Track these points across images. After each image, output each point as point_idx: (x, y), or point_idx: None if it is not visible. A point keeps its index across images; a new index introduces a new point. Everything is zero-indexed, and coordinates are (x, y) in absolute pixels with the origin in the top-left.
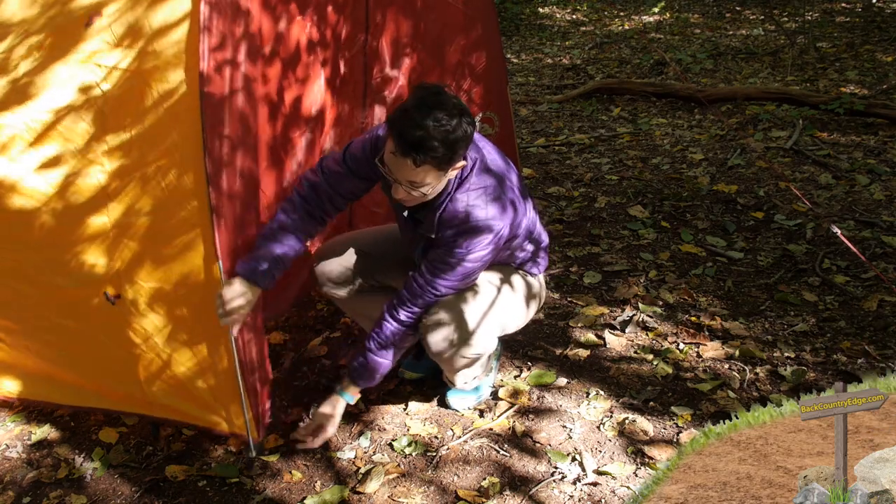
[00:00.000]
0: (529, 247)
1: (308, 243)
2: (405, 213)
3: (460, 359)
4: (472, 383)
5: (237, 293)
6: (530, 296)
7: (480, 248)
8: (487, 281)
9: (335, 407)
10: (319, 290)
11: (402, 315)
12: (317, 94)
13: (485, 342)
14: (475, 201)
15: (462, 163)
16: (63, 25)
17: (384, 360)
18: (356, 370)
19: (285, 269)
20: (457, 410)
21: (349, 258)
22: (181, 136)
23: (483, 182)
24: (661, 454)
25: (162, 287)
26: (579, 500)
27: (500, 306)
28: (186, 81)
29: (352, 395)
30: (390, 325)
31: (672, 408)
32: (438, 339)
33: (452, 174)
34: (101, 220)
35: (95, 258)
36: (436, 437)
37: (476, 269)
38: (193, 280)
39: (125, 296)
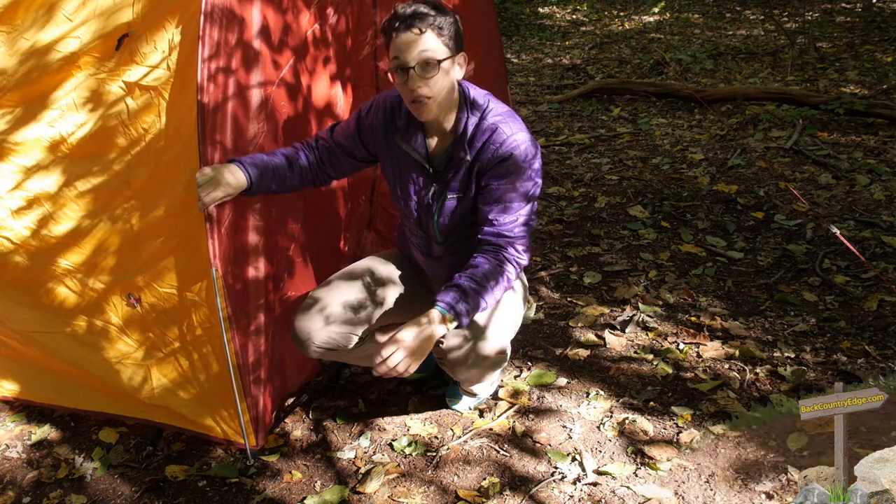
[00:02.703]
0: (534, 220)
1: (294, 172)
2: (425, 169)
3: (482, 361)
4: (489, 389)
5: (213, 168)
6: (525, 296)
7: (532, 155)
8: None
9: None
10: (305, 353)
11: (491, 260)
12: (323, 97)
13: (500, 338)
14: (501, 118)
15: (463, 56)
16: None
17: (478, 309)
18: (460, 301)
19: (269, 175)
20: (457, 410)
21: (336, 311)
22: (183, 147)
23: (503, 108)
24: (661, 454)
25: (159, 292)
26: (579, 500)
27: (504, 303)
28: (186, 94)
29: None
30: (481, 268)
31: (672, 408)
32: (453, 343)
33: (458, 69)
34: (101, 229)
35: (94, 263)
36: (436, 437)
37: (537, 186)
38: (189, 286)
39: (119, 300)
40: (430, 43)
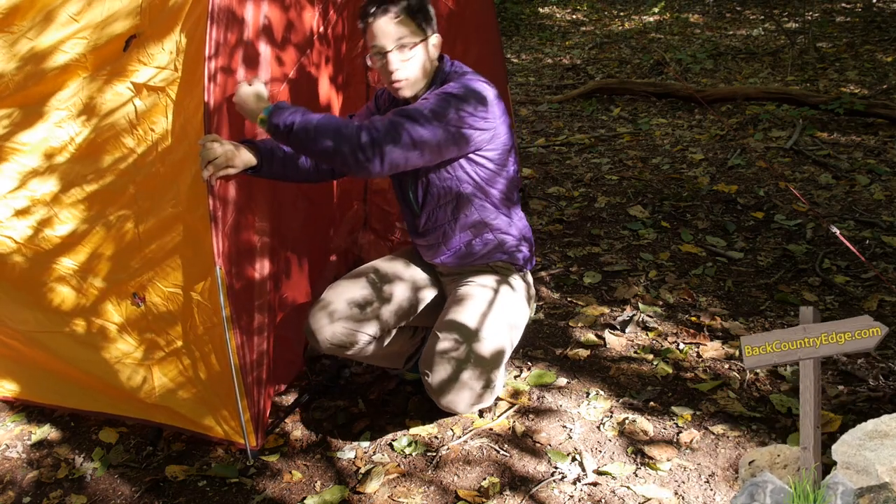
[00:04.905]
0: (519, 217)
1: (307, 163)
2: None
3: (477, 363)
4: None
5: (220, 140)
6: (529, 296)
7: (468, 81)
8: (481, 285)
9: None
10: (319, 351)
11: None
12: (325, 96)
13: (496, 339)
14: (464, 75)
15: (437, 36)
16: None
17: (305, 117)
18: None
19: (279, 155)
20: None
21: (341, 308)
22: (188, 147)
23: (471, 71)
24: (661, 454)
25: (161, 291)
26: (579, 500)
27: (500, 304)
28: (193, 94)
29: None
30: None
31: (672, 408)
32: (447, 345)
33: (433, 49)
34: (104, 228)
35: (95, 264)
36: (436, 437)
37: (455, 105)
38: (191, 285)
39: (121, 300)
40: (405, 26)
